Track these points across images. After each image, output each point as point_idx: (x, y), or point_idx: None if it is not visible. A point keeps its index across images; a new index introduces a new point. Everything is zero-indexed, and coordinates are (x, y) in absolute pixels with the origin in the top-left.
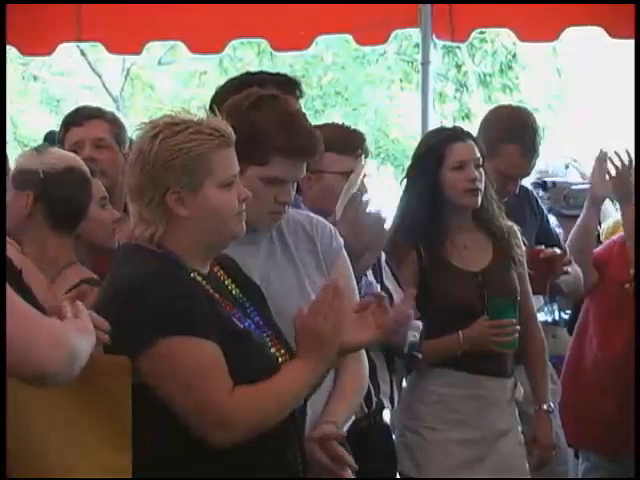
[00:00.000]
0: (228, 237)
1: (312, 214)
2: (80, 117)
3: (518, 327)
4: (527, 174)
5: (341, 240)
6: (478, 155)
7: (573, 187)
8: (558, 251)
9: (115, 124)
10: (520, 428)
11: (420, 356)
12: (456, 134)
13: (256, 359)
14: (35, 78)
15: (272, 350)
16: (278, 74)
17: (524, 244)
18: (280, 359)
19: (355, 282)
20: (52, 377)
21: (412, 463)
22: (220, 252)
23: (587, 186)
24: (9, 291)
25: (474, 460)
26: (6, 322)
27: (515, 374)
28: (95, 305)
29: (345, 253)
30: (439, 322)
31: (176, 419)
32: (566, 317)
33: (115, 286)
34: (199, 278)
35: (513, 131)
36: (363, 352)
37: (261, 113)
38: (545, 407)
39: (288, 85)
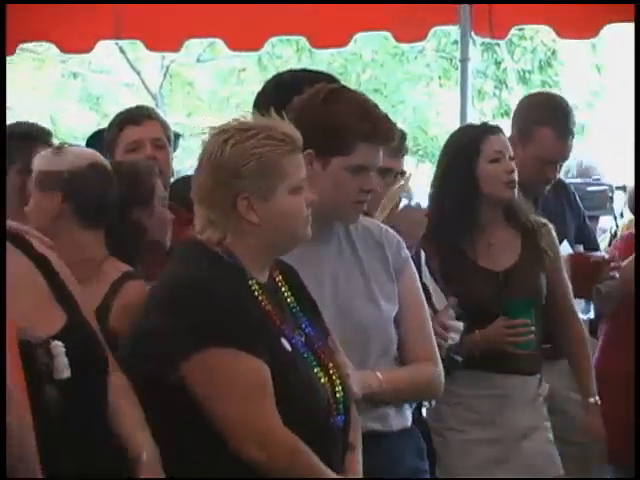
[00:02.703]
0: (294, 242)
1: (380, 223)
2: (138, 116)
3: (533, 328)
4: (564, 157)
5: (407, 252)
6: (510, 148)
7: (589, 189)
8: (606, 256)
9: (165, 125)
10: (549, 425)
11: (460, 359)
12: (489, 128)
13: (297, 382)
14: (75, 76)
15: (316, 370)
16: (321, 73)
17: (569, 244)
18: (322, 379)
19: (423, 294)
20: None
21: (436, 464)
22: (276, 259)
23: (603, 187)
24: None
25: (497, 460)
26: None
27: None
28: (147, 299)
29: (413, 264)
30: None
31: (212, 426)
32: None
33: (175, 284)
34: (256, 286)
35: (545, 114)
36: (438, 356)
37: (340, 104)
38: (592, 400)
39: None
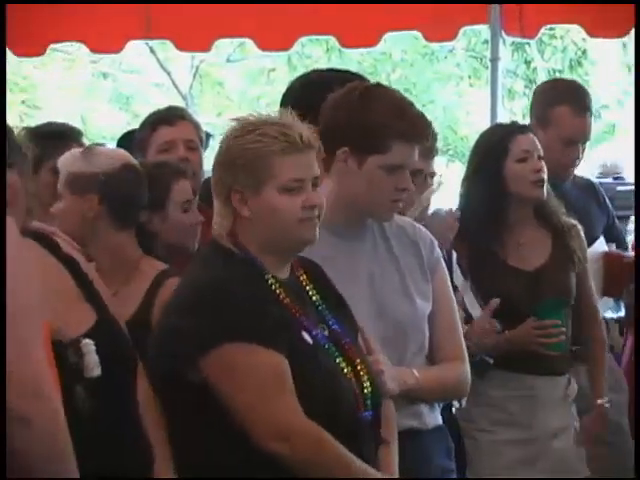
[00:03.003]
0: (295, 242)
1: (413, 221)
2: (171, 117)
3: (564, 329)
4: (585, 135)
5: (440, 252)
6: (539, 147)
7: (619, 189)
8: None
9: (197, 126)
10: (577, 425)
11: (491, 361)
12: (517, 127)
13: (319, 373)
14: (105, 76)
15: (338, 360)
16: (349, 72)
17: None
18: (345, 369)
19: (453, 294)
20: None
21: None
22: (293, 257)
23: (632, 187)
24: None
25: (527, 460)
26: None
27: (571, 371)
28: (168, 302)
29: (444, 264)
30: None
31: (234, 422)
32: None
33: (192, 286)
34: (272, 280)
35: (560, 93)
36: (466, 356)
37: (377, 102)
38: (600, 402)
39: None
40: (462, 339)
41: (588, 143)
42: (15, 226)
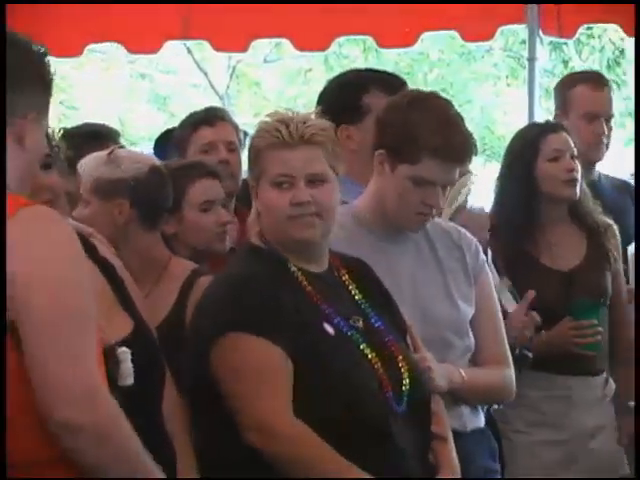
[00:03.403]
0: (288, 240)
1: (458, 225)
2: (212, 118)
3: (600, 329)
4: (607, 109)
5: (484, 257)
6: (573, 146)
7: None
8: None
9: (237, 128)
10: (616, 424)
11: (530, 355)
12: (550, 126)
13: (336, 360)
14: (143, 76)
15: (362, 347)
16: (385, 72)
17: None
18: (369, 355)
19: (497, 298)
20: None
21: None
22: (310, 253)
23: None
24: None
25: (565, 461)
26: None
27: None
28: (198, 302)
29: (488, 268)
30: None
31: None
32: None
33: (216, 285)
34: (298, 273)
35: (576, 76)
36: (510, 360)
37: (417, 113)
38: (631, 404)
39: (394, 84)
40: (506, 344)
41: (622, 141)
42: (69, 225)
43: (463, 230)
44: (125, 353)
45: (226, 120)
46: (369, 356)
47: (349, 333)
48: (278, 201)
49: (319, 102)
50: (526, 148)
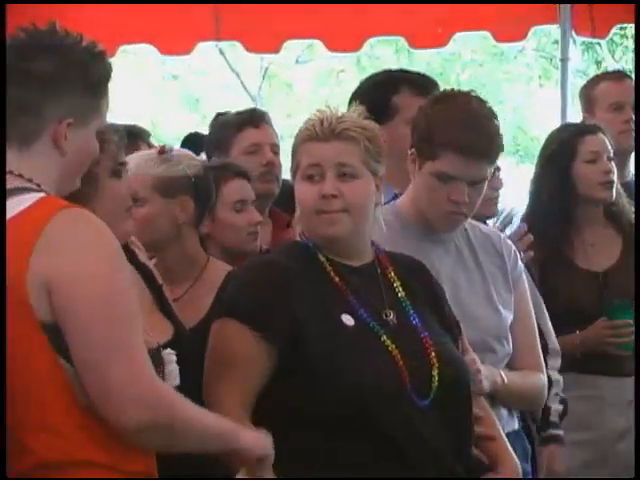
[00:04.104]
0: (314, 233)
1: (498, 232)
2: (257, 119)
3: (633, 328)
4: (631, 100)
5: (522, 264)
6: (610, 148)
7: None
8: None
9: (275, 132)
10: None
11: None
12: (587, 127)
13: (351, 350)
14: (175, 77)
15: (383, 339)
16: (417, 73)
17: None
18: (390, 347)
19: (531, 305)
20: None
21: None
22: (343, 249)
23: None
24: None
25: (594, 461)
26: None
27: None
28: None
29: (525, 276)
30: (556, 322)
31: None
32: None
33: (238, 274)
34: (326, 264)
35: (596, 79)
36: (544, 367)
37: (437, 109)
38: None
39: (425, 85)
40: (540, 352)
41: None
42: (109, 230)
43: (503, 235)
44: (171, 355)
45: (267, 123)
46: (389, 347)
47: (371, 324)
48: (307, 193)
49: (351, 102)
50: (563, 149)
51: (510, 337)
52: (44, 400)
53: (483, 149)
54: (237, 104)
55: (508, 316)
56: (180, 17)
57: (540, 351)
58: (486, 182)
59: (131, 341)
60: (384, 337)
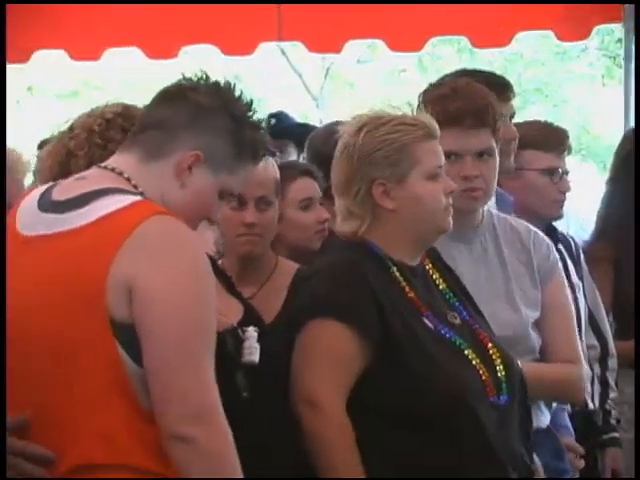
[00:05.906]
0: (435, 231)
1: (531, 226)
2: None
3: None
4: None
5: (557, 255)
6: None
7: None
8: None
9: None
10: None
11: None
12: None
13: (444, 357)
14: (237, 78)
15: (467, 352)
16: (491, 74)
17: None
18: (474, 361)
19: (570, 298)
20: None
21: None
22: (428, 247)
23: None
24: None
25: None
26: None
27: None
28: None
29: (561, 268)
30: (630, 323)
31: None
32: None
33: (327, 266)
34: (396, 273)
35: None
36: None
37: (429, 93)
38: None
39: (502, 88)
40: (578, 343)
41: None
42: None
43: (534, 229)
44: (250, 331)
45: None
46: (465, 351)
47: (443, 330)
48: (434, 192)
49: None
50: (638, 151)
51: (534, 334)
52: (99, 402)
53: (475, 115)
54: (299, 104)
55: (531, 314)
56: (242, 17)
57: (578, 343)
58: (496, 154)
59: (203, 356)
60: (458, 341)
